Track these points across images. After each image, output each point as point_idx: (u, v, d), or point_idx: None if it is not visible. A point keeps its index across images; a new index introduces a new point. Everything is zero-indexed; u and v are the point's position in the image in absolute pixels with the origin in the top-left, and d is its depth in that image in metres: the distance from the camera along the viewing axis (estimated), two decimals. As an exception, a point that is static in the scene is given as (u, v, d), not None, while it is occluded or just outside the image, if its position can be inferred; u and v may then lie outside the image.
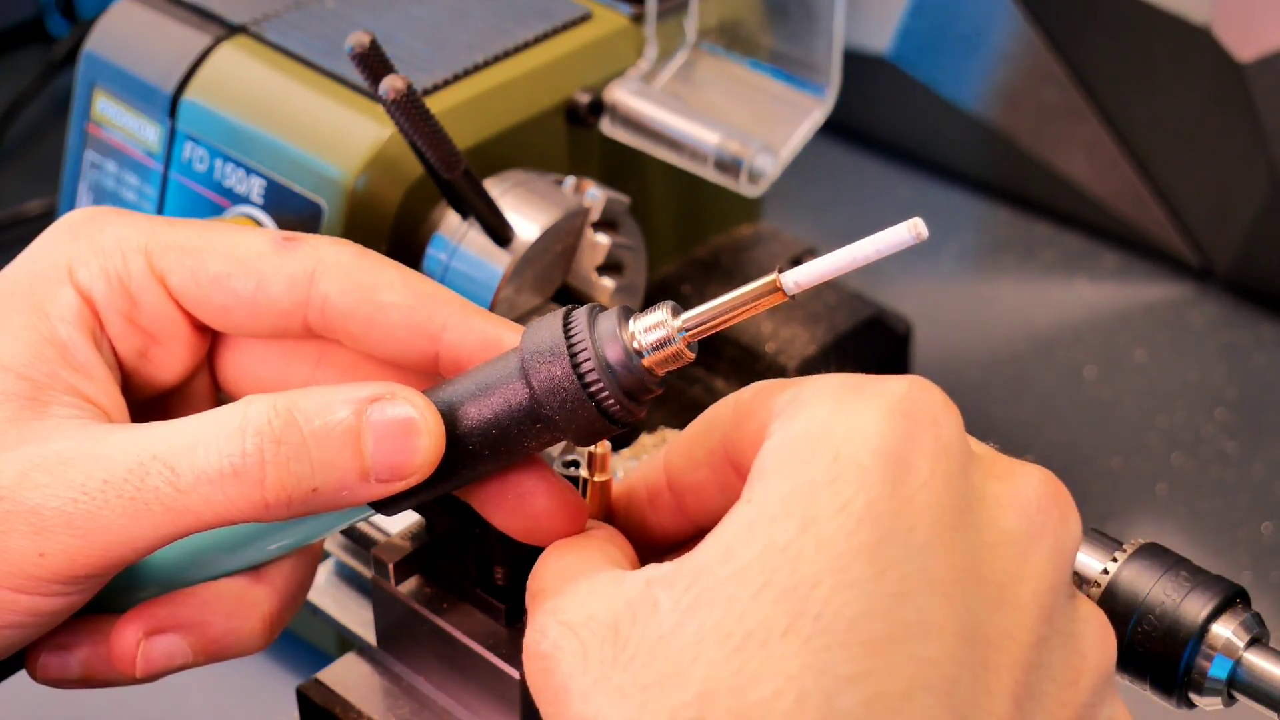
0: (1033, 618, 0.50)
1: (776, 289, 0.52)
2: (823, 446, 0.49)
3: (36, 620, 0.55)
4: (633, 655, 0.48)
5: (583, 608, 0.50)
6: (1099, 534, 0.59)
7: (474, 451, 0.55)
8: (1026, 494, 0.51)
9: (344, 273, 0.57)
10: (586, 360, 0.53)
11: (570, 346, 0.53)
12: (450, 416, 0.55)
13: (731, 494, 0.52)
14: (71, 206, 0.93)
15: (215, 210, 0.87)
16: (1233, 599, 0.58)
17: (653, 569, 0.50)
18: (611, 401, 0.53)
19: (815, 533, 0.47)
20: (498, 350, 0.56)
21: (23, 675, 0.59)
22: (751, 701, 0.46)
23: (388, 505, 0.56)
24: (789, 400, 0.51)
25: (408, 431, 0.54)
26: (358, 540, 0.72)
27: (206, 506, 0.53)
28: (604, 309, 0.54)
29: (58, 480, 0.53)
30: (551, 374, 0.53)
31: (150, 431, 0.54)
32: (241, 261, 0.58)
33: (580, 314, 0.54)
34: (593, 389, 0.53)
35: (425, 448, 0.54)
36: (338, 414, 0.54)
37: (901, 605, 0.47)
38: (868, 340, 0.93)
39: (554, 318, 0.54)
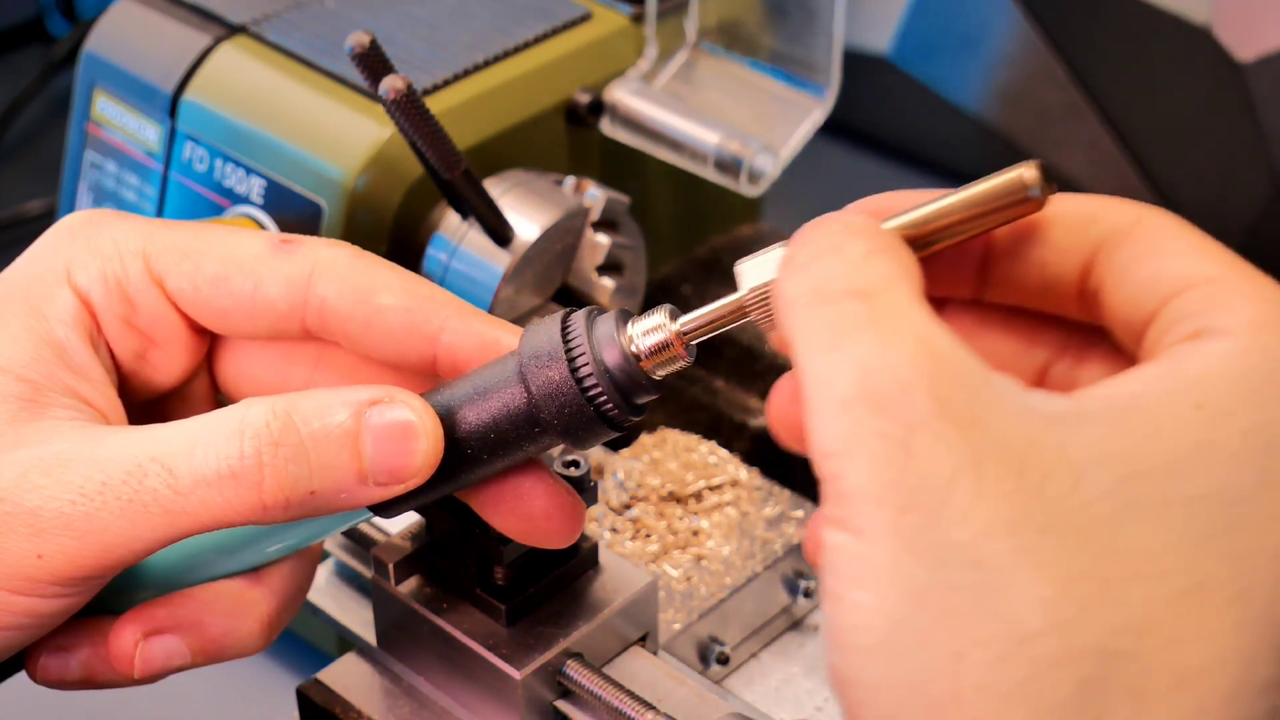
0: None
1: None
2: None
3: (35, 622, 0.55)
4: (1050, 520, 0.42)
5: (976, 414, 0.43)
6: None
7: (472, 455, 0.55)
8: None
9: (341, 275, 0.57)
10: (584, 364, 0.53)
11: (568, 350, 0.53)
12: (448, 420, 0.55)
13: (1054, 300, 0.49)
14: (71, 207, 0.93)
15: (215, 210, 0.87)
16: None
17: (1056, 407, 0.44)
18: (609, 405, 0.53)
19: (1270, 503, 0.43)
20: (496, 352, 0.56)
21: (22, 676, 0.59)
22: (1189, 665, 0.42)
23: (386, 508, 0.56)
24: (1236, 296, 0.45)
25: (406, 435, 0.54)
26: (358, 540, 0.72)
27: (204, 508, 0.53)
28: (602, 312, 0.54)
29: (56, 482, 0.53)
30: (549, 378, 0.53)
31: (148, 433, 0.54)
32: (239, 264, 0.58)
33: (578, 317, 0.53)
34: (590, 393, 0.53)
35: (423, 451, 0.54)
36: (336, 417, 0.54)
37: None
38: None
39: (552, 321, 0.54)
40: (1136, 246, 0.48)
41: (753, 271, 0.51)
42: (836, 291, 0.45)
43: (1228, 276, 0.46)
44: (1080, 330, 0.51)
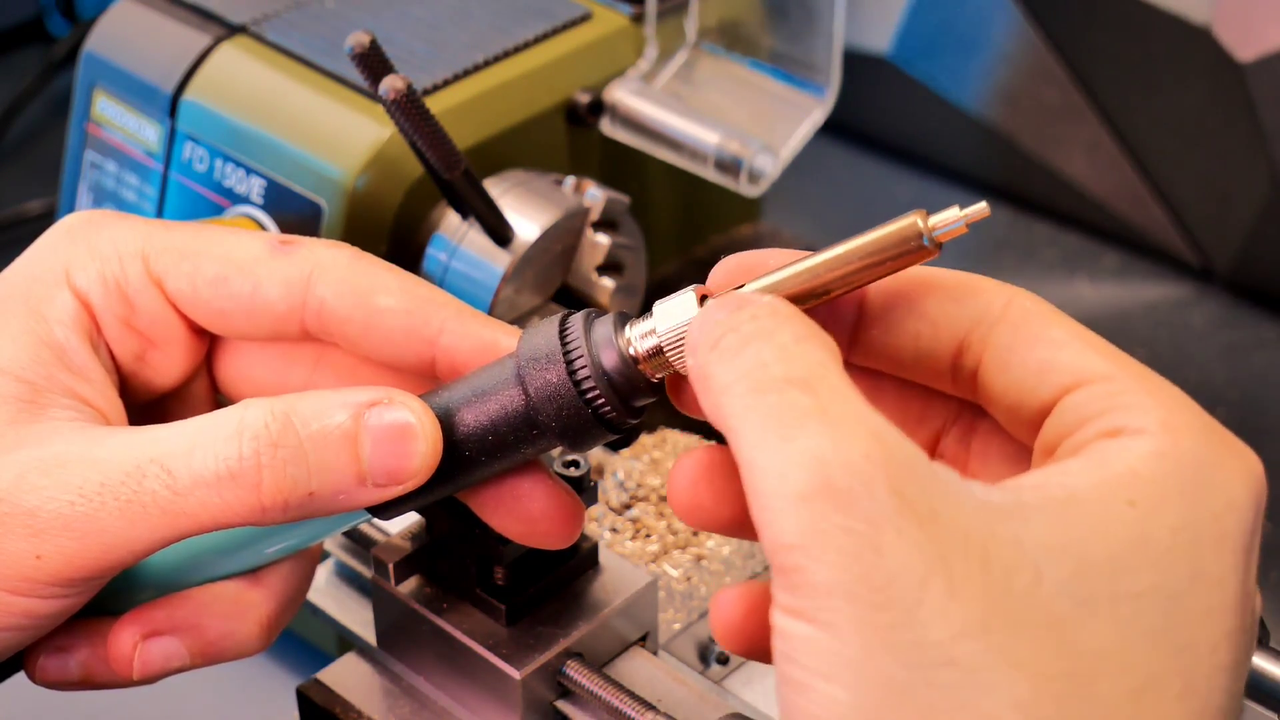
0: None
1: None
2: (1207, 496, 0.46)
3: (34, 622, 0.55)
4: (1019, 618, 0.43)
5: (934, 507, 0.44)
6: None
7: (470, 457, 0.55)
8: (1258, 613, 0.50)
9: (340, 276, 0.57)
10: (582, 367, 0.52)
11: (566, 353, 0.53)
12: (447, 422, 0.55)
13: (925, 372, 0.51)
14: (71, 206, 0.93)
15: (215, 210, 0.87)
16: (1232, 599, 0.58)
17: (998, 499, 0.45)
18: (607, 408, 0.53)
19: (1203, 598, 0.46)
20: (494, 354, 0.56)
21: (21, 677, 0.59)
22: None
23: (384, 510, 0.56)
24: (1140, 396, 0.48)
25: (405, 436, 0.54)
26: (358, 540, 0.72)
27: (203, 509, 0.53)
28: (600, 314, 0.54)
29: (55, 483, 0.53)
30: (547, 380, 0.53)
31: (147, 434, 0.54)
32: (238, 265, 0.58)
33: (576, 320, 0.53)
34: (588, 395, 0.52)
35: (422, 453, 0.54)
36: (335, 418, 0.54)
37: (1233, 713, 0.46)
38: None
39: (550, 323, 0.54)
40: (1015, 331, 0.50)
41: (667, 313, 0.52)
42: (775, 380, 0.46)
43: (1122, 375, 0.48)
44: (968, 401, 0.53)
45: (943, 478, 0.45)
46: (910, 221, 0.49)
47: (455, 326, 0.57)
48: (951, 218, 0.49)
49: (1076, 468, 0.47)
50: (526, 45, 0.89)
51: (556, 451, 0.61)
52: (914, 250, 0.49)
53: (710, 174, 0.88)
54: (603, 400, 0.53)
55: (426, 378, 0.58)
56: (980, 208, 0.49)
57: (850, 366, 0.53)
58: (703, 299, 0.52)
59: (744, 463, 0.45)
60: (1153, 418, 0.47)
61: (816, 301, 0.51)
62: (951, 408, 0.54)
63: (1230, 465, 0.47)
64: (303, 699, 0.67)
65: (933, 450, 0.54)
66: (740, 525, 0.50)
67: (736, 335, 0.47)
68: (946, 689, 0.43)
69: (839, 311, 0.52)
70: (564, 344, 0.53)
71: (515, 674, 0.62)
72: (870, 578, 0.43)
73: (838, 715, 0.44)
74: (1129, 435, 0.47)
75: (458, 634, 0.63)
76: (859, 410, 0.45)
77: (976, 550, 0.44)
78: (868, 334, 0.52)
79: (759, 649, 0.49)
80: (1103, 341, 0.50)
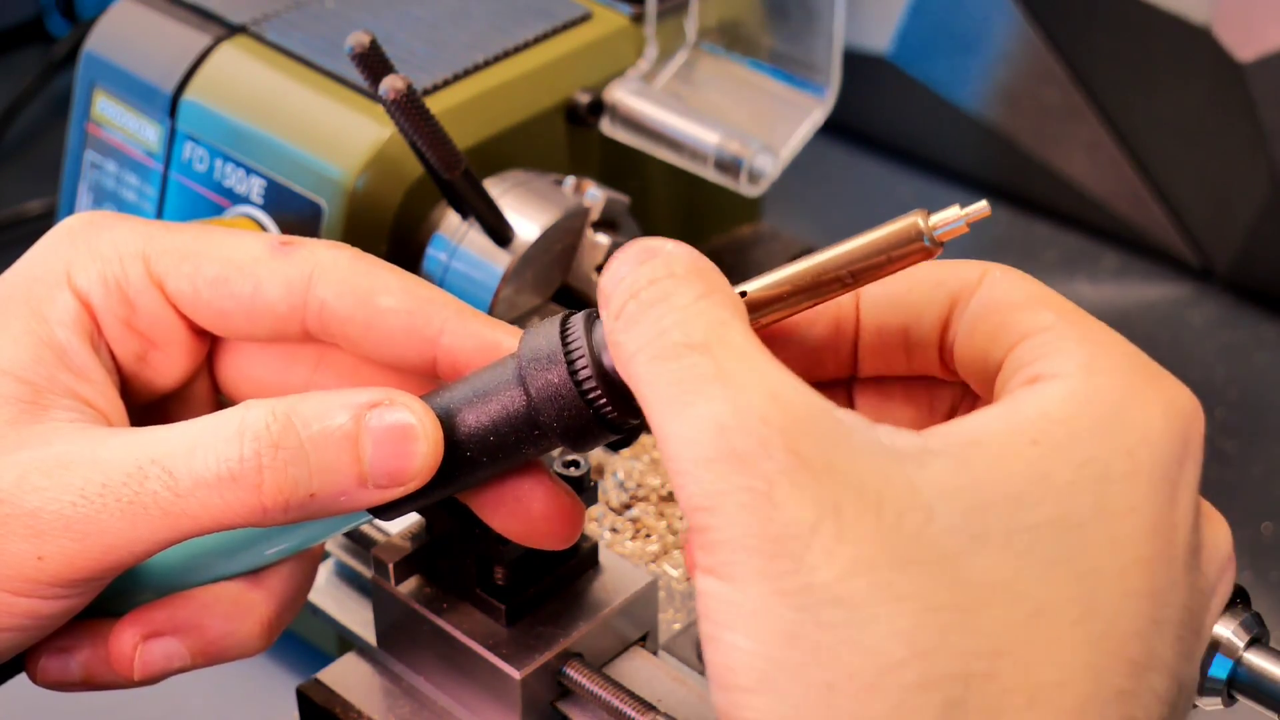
0: (1195, 671, 0.50)
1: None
2: (1120, 432, 0.47)
3: (36, 623, 0.55)
4: (907, 555, 0.45)
5: (831, 459, 0.45)
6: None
7: (471, 458, 0.55)
8: (1226, 547, 0.51)
9: (341, 277, 0.57)
10: (583, 367, 0.52)
11: (567, 353, 0.53)
12: (448, 422, 0.55)
13: (920, 363, 0.52)
14: (71, 207, 0.93)
15: (215, 210, 0.87)
16: (1233, 599, 0.58)
17: (903, 443, 0.47)
18: (609, 408, 0.53)
19: (1107, 527, 0.46)
20: (496, 354, 0.56)
21: (22, 678, 0.59)
22: (1040, 683, 0.45)
23: (385, 510, 0.56)
24: (1068, 342, 0.49)
25: (406, 437, 0.54)
26: (358, 540, 0.72)
27: (204, 511, 0.53)
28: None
29: (56, 483, 0.53)
30: (549, 380, 0.53)
31: (148, 435, 0.54)
32: (238, 266, 0.58)
33: (577, 319, 0.53)
34: (590, 396, 0.52)
35: (423, 454, 0.54)
36: (336, 419, 0.54)
37: (1157, 634, 0.47)
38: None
39: (551, 324, 0.54)
40: (981, 301, 0.51)
41: None
42: (675, 345, 0.47)
43: (1060, 324, 0.50)
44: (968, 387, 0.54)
45: (847, 427, 0.46)
46: (911, 221, 0.49)
47: (456, 327, 0.57)
48: (952, 217, 0.49)
49: (989, 414, 0.48)
50: (526, 45, 0.89)
51: (556, 451, 0.61)
52: (915, 250, 0.50)
53: (710, 174, 0.88)
54: (604, 400, 0.52)
55: (428, 378, 0.58)
56: (980, 206, 0.49)
57: (862, 380, 0.55)
58: None
59: (654, 429, 0.47)
60: (1074, 362, 0.48)
61: (816, 301, 0.51)
62: (955, 395, 0.55)
63: (1150, 400, 0.48)
64: (303, 699, 0.67)
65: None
66: None
67: (636, 302, 0.48)
68: (833, 626, 0.45)
69: (841, 332, 0.54)
70: (565, 344, 0.53)
71: (515, 674, 0.62)
72: (765, 530, 0.45)
73: (742, 664, 0.45)
74: (1046, 380, 0.48)
75: (458, 634, 0.63)
76: (758, 370, 0.47)
77: (871, 496, 0.45)
78: (867, 345, 0.54)
79: None
80: (1062, 300, 0.51)
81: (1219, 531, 0.51)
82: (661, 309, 0.48)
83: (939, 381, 0.55)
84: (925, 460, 0.46)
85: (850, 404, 0.56)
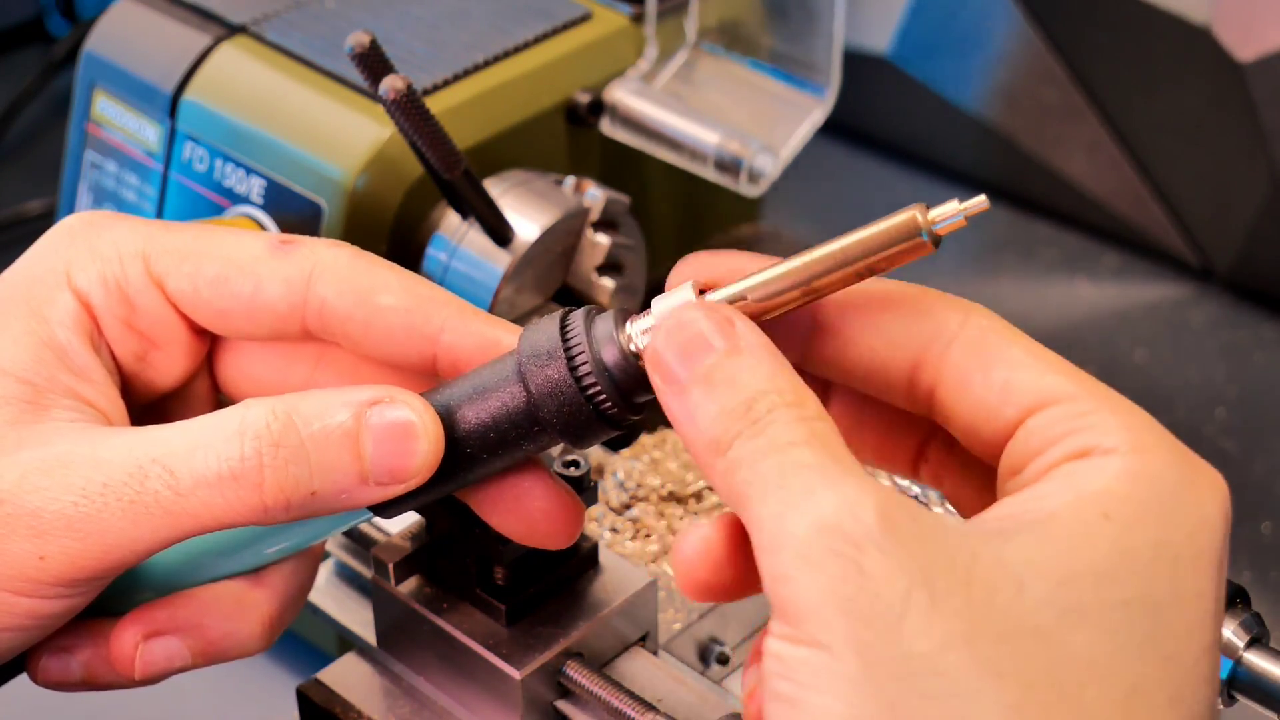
0: None
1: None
2: (1181, 514, 0.47)
3: (38, 623, 0.55)
4: (1003, 629, 0.45)
5: (918, 530, 0.46)
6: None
7: (472, 454, 0.55)
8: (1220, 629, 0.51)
9: (341, 275, 0.57)
10: (583, 363, 0.52)
11: (567, 349, 0.53)
12: (448, 419, 0.55)
13: (887, 392, 0.52)
14: (71, 207, 0.93)
15: (215, 210, 0.87)
16: (1233, 599, 0.58)
17: (979, 526, 0.47)
18: (608, 404, 0.53)
19: (1182, 611, 0.47)
20: (496, 352, 0.56)
21: (23, 677, 0.59)
22: None
23: (386, 508, 0.56)
24: (1104, 415, 0.49)
25: (406, 435, 0.54)
26: (358, 540, 0.72)
27: (205, 509, 0.53)
28: (601, 310, 0.54)
29: (58, 483, 0.53)
30: (548, 377, 0.53)
31: (149, 434, 0.54)
32: (238, 265, 0.58)
33: (577, 316, 0.53)
34: (589, 391, 0.53)
35: (424, 451, 0.54)
36: (336, 417, 0.54)
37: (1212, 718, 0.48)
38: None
39: (551, 320, 0.54)
40: (972, 351, 0.51)
41: (667, 309, 0.52)
42: (779, 444, 0.47)
43: (1084, 394, 0.49)
44: None
45: (927, 510, 0.47)
46: (909, 216, 0.49)
47: (456, 324, 0.57)
48: (950, 211, 0.49)
49: (1050, 489, 0.48)
50: (526, 45, 0.89)
51: (556, 451, 0.61)
52: (914, 245, 0.49)
53: (710, 174, 0.88)
54: (604, 396, 0.53)
55: (428, 376, 0.58)
56: (979, 201, 0.49)
57: (841, 389, 0.55)
58: (701, 293, 0.52)
59: (751, 523, 0.47)
60: (1121, 438, 0.48)
61: (814, 297, 0.51)
62: (923, 424, 0.55)
63: (1201, 484, 0.48)
64: (303, 699, 0.67)
65: (916, 460, 0.56)
66: (742, 587, 0.52)
67: (735, 406, 0.48)
68: (936, 699, 0.44)
69: (792, 322, 0.53)
70: (565, 340, 0.53)
71: (515, 674, 0.62)
72: (857, 596, 0.45)
73: None
74: (1099, 455, 0.48)
75: (458, 634, 0.63)
76: (848, 460, 0.47)
77: (960, 568, 0.45)
78: (821, 346, 0.53)
79: (719, 590, 0.51)
80: (1061, 360, 0.51)
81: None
82: (772, 430, 0.48)
83: (902, 413, 0.54)
84: (1006, 537, 0.46)
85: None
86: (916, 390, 0.52)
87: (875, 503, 0.45)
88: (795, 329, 0.53)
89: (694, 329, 0.49)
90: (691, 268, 0.53)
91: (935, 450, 0.55)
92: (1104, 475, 0.47)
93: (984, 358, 0.51)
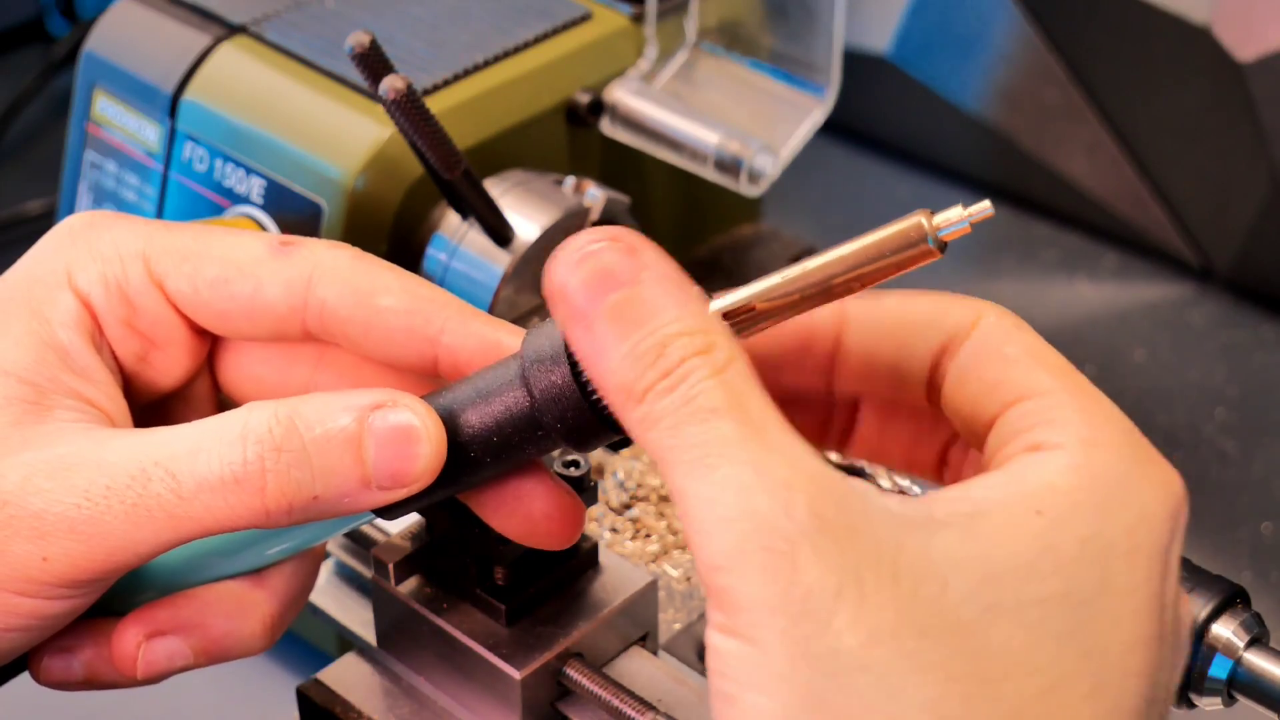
0: None
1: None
2: (1119, 510, 0.48)
3: (40, 623, 0.55)
4: (927, 624, 0.45)
5: (851, 523, 0.46)
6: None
7: (474, 458, 0.55)
8: (1189, 622, 0.52)
9: (341, 277, 0.57)
10: None
11: (570, 354, 0.53)
12: (451, 423, 0.55)
13: (908, 395, 0.52)
14: (71, 207, 0.93)
15: (215, 210, 0.87)
16: (1233, 599, 0.58)
17: (911, 512, 0.47)
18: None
19: (1110, 605, 0.47)
20: (497, 353, 0.56)
21: (25, 677, 0.59)
22: None
23: (388, 511, 0.56)
24: (1067, 411, 0.49)
25: (409, 439, 0.54)
26: (358, 540, 0.72)
27: (207, 513, 0.53)
28: None
29: (61, 485, 0.53)
30: (552, 381, 0.53)
31: (152, 437, 0.54)
32: (239, 266, 0.58)
33: (581, 320, 0.53)
34: (594, 397, 0.52)
35: (426, 455, 0.54)
36: (339, 421, 0.54)
37: (1148, 714, 0.48)
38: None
39: (553, 324, 0.53)
40: (975, 349, 0.52)
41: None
42: (699, 410, 0.47)
43: (1059, 391, 0.50)
44: None
45: (859, 494, 0.47)
46: (915, 222, 0.49)
47: (457, 326, 0.57)
48: (955, 217, 0.49)
49: (992, 481, 0.48)
50: (526, 45, 0.89)
51: (557, 451, 0.61)
52: (919, 252, 0.49)
53: (710, 174, 0.88)
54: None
55: (429, 378, 0.58)
56: (983, 207, 0.49)
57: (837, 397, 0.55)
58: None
59: (674, 490, 0.47)
60: (1073, 433, 0.49)
61: (819, 303, 0.51)
62: (946, 425, 0.55)
63: (1148, 480, 0.49)
64: (303, 699, 0.67)
65: (940, 461, 0.56)
66: None
67: (660, 364, 0.48)
68: (859, 693, 0.45)
69: (817, 345, 0.54)
70: (569, 345, 0.53)
71: (515, 674, 0.62)
72: (789, 593, 0.45)
73: None
74: (1047, 450, 0.49)
75: (458, 634, 0.63)
76: (776, 437, 0.47)
77: (887, 563, 0.46)
78: (846, 366, 0.54)
79: None
80: (1056, 357, 0.51)
81: (1187, 608, 0.51)
82: (687, 385, 0.47)
83: (929, 416, 0.55)
84: (934, 529, 0.47)
85: (826, 421, 0.57)
86: (934, 392, 0.53)
87: (807, 498, 0.46)
88: (819, 352, 0.54)
89: (599, 260, 0.49)
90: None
91: (955, 453, 0.56)
92: (1046, 470, 0.48)
93: (983, 355, 0.51)
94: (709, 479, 0.46)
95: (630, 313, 0.48)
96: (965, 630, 0.46)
